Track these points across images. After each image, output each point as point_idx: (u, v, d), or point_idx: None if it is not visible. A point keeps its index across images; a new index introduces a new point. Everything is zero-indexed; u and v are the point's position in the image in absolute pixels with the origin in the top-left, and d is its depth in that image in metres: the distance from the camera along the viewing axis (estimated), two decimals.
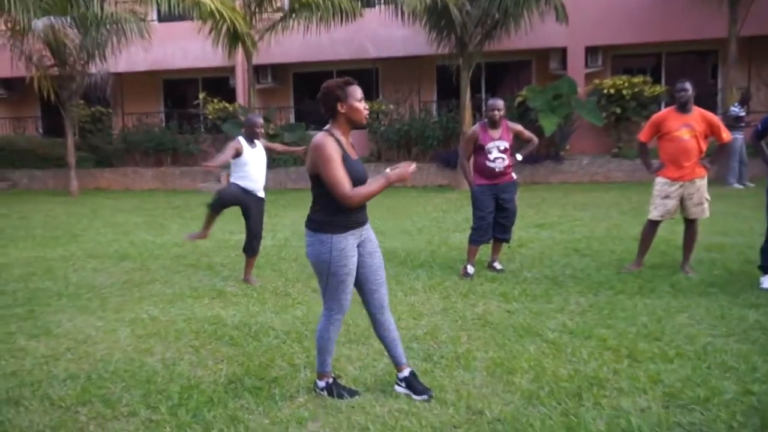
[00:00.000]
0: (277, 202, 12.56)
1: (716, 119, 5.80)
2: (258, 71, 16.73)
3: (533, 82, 16.27)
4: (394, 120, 16.19)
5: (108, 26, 15.06)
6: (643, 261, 6.15)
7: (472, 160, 6.23)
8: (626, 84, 14.42)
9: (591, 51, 15.53)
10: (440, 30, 13.90)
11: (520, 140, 6.35)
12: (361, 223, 3.33)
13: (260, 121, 6.09)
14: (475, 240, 6.18)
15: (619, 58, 16.35)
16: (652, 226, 6.04)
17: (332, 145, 3.14)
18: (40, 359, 4.14)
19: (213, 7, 13.68)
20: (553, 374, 3.64)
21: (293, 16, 14.94)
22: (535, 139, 6.45)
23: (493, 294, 5.46)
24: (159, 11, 17.29)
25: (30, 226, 10.49)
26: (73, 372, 3.89)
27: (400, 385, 3.46)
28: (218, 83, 18.20)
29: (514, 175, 6.25)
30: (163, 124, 18.63)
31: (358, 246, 3.33)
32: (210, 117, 17.16)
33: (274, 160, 14.97)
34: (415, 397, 3.38)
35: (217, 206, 6.05)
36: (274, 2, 15.34)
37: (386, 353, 3.56)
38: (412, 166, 3.18)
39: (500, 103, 6.09)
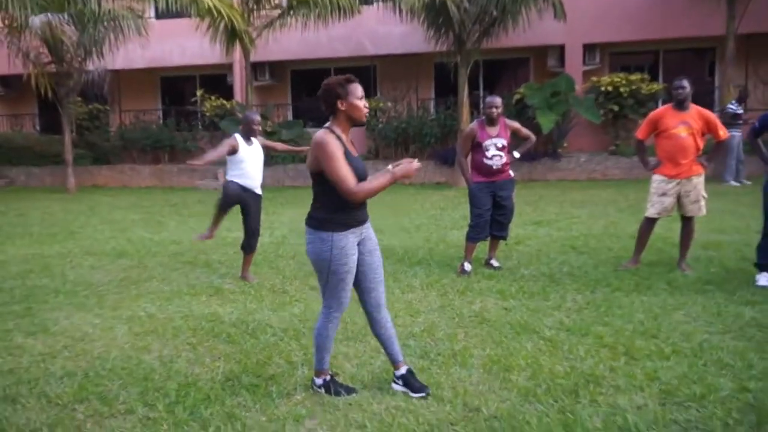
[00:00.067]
0: (275, 199, 12.56)
1: (713, 117, 5.81)
2: (256, 68, 16.71)
3: (531, 80, 16.27)
4: (392, 117, 16.19)
5: (105, 23, 15.02)
6: (640, 258, 6.16)
7: (469, 157, 6.23)
8: (624, 81, 14.44)
9: (589, 48, 15.53)
10: (438, 27, 13.89)
11: (518, 138, 6.36)
12: (361, 221, 3.33)
13: (257, 118, 6.09)
14: (472, 237, 6.19)
15: (617, 56, 16.36)
16: (649, 223, 6.05)
17: (334, 141, 3.14)
18: (37, 357, 4.14)
19: (211, 4, 13.66)
20: (549, 371, 3.65)
21: (291, 13, 14.91)
22: (533, 137, 6.45)
23: (491, 291, 5.47)
24: (156, 8, 17.21)
25: (27, 224, 10.47)
26: (70, 369, 3.89)
27: (397, 383, 3.47)
28: (216, 80, 18.18)
29: (511, 173, 6.26)
30: (161, 122, 18.60)
31: (358, 244, 3.33)
32: (207, 114, 17.14)
33: (272, 158, 14.97)
34: (412, 394, 3.38)
35: (224, 205, 6.02)
36: None
37: (383, 351, 3.56)
38: (416, 164, 3.19)
39: (498, 100, 6.09)
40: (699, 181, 5.83)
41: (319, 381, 3.48)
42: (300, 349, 4.15)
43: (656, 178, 5.92)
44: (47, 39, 14.59)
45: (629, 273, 5.88)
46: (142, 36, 15.20)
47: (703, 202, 5.88)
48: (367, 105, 3.26)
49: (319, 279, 3.36)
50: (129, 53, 16.45)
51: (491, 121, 6.09)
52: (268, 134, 15.45)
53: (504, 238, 6.42)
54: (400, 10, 13.80)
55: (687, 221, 5.97)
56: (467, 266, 6.15)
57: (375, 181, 3.14)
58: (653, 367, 3.68)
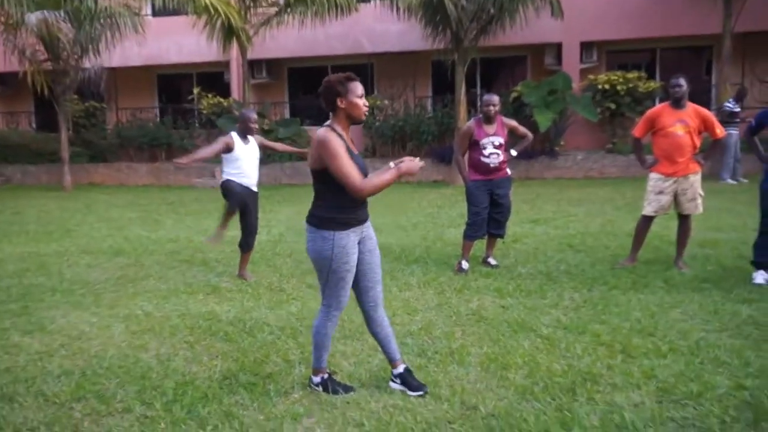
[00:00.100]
0: (272, 197, 12.55)
1: (710, 115, 5.82)
2: (253, 66, 16.67)
3: (528, 78, 16.27)
4: (389, 115, 16.17)
5: (102, 20, 14.98)
6: (636, 256, 6.17)
7: (467, 155, 6.23)
8: (621, 79, 14.44)
9: (586, 46, 15.54)
10: (435, 25, 13.88)
11: (515, 136, 6.36)
12: (362, 220, 3.34)
13: (254, 116, 6.08)
14: (469, 235, 6.19)
15: (614, 54, 16.36)
16: (646, 221, 6.06)
17: (337, 139, 3.15)
18: (34, 355, 4.13)
19: (207, 1, 13.63)
20: (547, 370, 3.66)
21: (288, 10, 14.88)
22: (530, 135, 6.45)
23: (488, 289, 5.47)
24: (153, 5, 17.19)
25: (23, 222, 10.45)
26: (67, 368, 3.89)
27: (394, 382, 3.47)
28: (213, 78, 18.14)
29: (508, 171, 6.26)
30: (158, 119, 18.56)
31: (358, 243, 3.33)
32: (204, 112, 17.11)
33: (268, 156, 14.95)
34: (410, 392, 3.39)
35: (234, 204, 5.98)
36: None
37: (380, 349, 3.57)
38: (419, 162, 3.21)
39: (495, 98, 6.09)
40: (696, 179, 5.84)
41: (316, 379, 3.48)
42: (297, 348, 4.15)
43: (653, 176, 5.93)
44: (43, 36, 14.54)
45: (626, 271, 5.89)
46: (138, 33, 15.16)
47: (699, 200, 5.89)
48: (366, 103, 3.26)
49: (319, 278, 3.36)
50: (126, 51, 16.41)
51: (488, 120, 6.09)
52: (265, 132, 15.42)
53: (501, 236, 6.43)
54: (398, 8, 13.79)
55: (684, 219, 5.98)
56: (464, 264, 6.16)
57: (380, 176, 3.14)
58: (650, 365, 3.69)
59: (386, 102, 16.40)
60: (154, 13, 17.46)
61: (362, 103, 3.22)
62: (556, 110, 14.38)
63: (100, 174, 17.64)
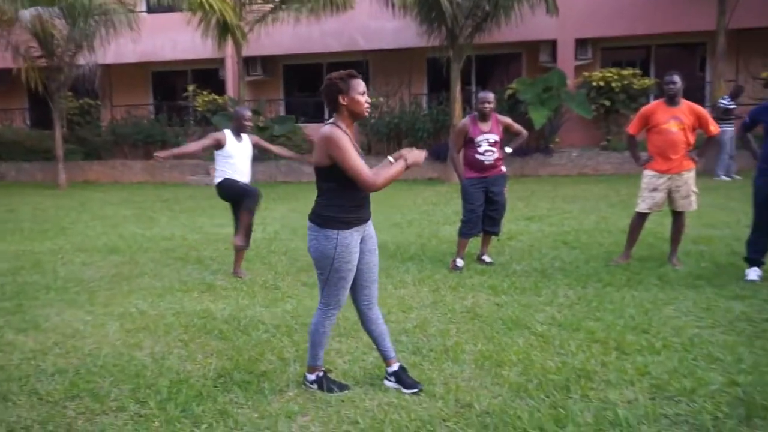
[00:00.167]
0: (267, 195, 12.43)
1: (704, 112, 5.84)
2: (248, 63, 16.64)
3: (523, 75, 16.28)
4: (384, 113, 16.17)
5: (96, 17, 14.93)
6: (631, 253, 6.18)
7: (462, 153, 6.23)
8: (615, 76, 14.46)
9: (581, 43, 15.55)
10: (431, 22, 13.88)
11: (510, 133, 6.37)
12: (365, 219, 3.34)
13: (248, 113, 6.06)
14: (464, 233, 6.20)
15: (609, 51, 16.39)
16: (640, 218, 6.07)
17: (343, 135, 3.15)
18: (28, 354, 4.12)
19: None
20: (541, 367, 3.66)
21: (283, 7, 14.87)
22: (525, 132, 6.46)
23: (483, 287, 5.48)
24: (148, 2, 17.19)
25: (18, 219, 10.42)
26: (61, 367, 3.88)
27: (389, 380, 3.47)
28: (208, 75, 18.10)
29: (503, 168, 6.26)
30: (153, 117, 18.52)
31: (359, 242, 3.33)
32: (199, 109, 17.07)
33: (264, 153, 14.92)
34: (404, 390, 3.39)
35: (250, 202, 5.94)
36: None
37: (375, 347, 3.57)
38: (423, 152, 3.24)
39: (490, 95, 6.10)
40: (690, 176, 5.86)
41: (311, 377, 3.48)
42: (292, 346, 4.15)
43: (647, 173, 5.94)
44: (37, 33, 14.49)
45: (620, 268, 5.90)
46: (133, 30, 15.11)
47: (693, 197, 5.91)
48: (369, 100, 3.27)
49: (320, 276, 3.35)
50: (120, 47, 16.35)
51: (483, 117, 6.09)
52: (260, 129, 15.41)
53: (496, 233, 6.43)
54: (393, 5, 13.78)
55: (678, 216, 6.00)
56: (459, 262, 6.16)
57: (389, 169, 3.15)
58: (644, 361, 3.70)
59: (381, 99, 16.39)
60: (149, 10, 17.44)
61: (364, 99, 3.22)
62: (550, 107, 14.40)
63: (94, 171, 17.59)
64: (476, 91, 16.43)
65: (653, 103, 6.00)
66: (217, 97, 16.93)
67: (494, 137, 6.07)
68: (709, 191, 10.05)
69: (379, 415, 3.15)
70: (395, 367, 3.46)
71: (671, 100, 5.77)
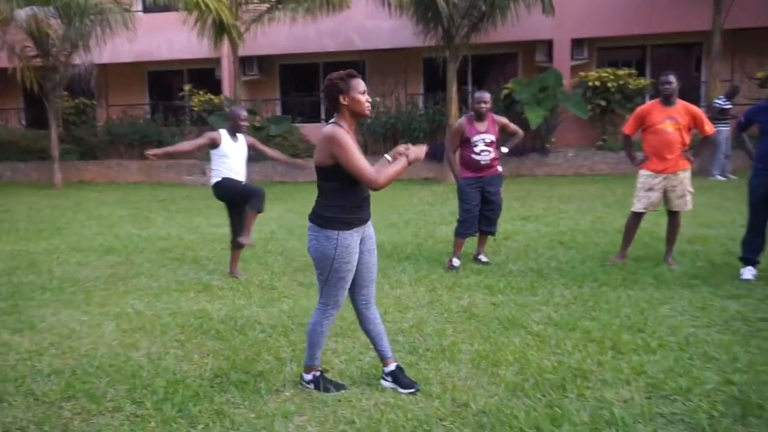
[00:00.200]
0: None
1: (700, 112, 5.85)
2: (244, 63, 16.63)
3: (519, 75, 16.30)
4: (380, 112, 16.17)
5: (92, 16, 14.89)
6: (626, 253, 6.20)
7: (458, 153, 6.24)
8: (611, 76, 14.49)
9: (577, 43, 15.58)
10: (427, 22, 13.89)
11: (506, 133, 6.38)
12: (365, 220, 3.35)
13: (243, 113, 6.05)
14: (461, 233, 6.20)
15: (605, 51, 16.41)
16: (636, 218, 6.09)
17: (346, 134, 3.16)
18: (24, 354, 4.11)
19: None
20: (537, 366, 3.67)
21: (279, 7, 14.86)
22: (521, 132, 6.47)
23: (479, 286, 5.49)
24: (144, 2, 17.13)
25: (13, 219, 10.39)
26: (57, 367, 3.87)
27: (386, 379, 3.48)
28: (204, 75, 18.07)
29: (499, 168, 6.27)
30: (148, 116, 18.49)
31: (359, 242, 3.34)
32: (195, 109, 17.05)
33: (260, 153, 14.90)
34: (401, 390, 3.39)
35: (256, 202, 5.94)
36: None
37: (372, 347, 3.57)
38: (424, 147, 3.25)
39: (487, 95, 6.10)
40: (685, 175, 5.87)
41: (308, 377, 3.48)
42: (289, 346, 4.15)
43: (643, 173, 5.96)
44: (33, 32, 14.45)
45: (616, 268, 5.91)
46: (129, 30, 15.08)
47: (689, 197, 5.92)
48: (369, 99, 3.27)
49: (319, 276, 3.35)
50: (116, 47, 16.31)
51: (480, 117, 6.10)
52: (256, 129, 15.39)
53: (492, 233, 6.44)
54: (389, 5, 13.79)
55: (673, 216, 6.01)
56: (456, 262, 6.17)
57: (391, 167, 3.17)
58: (640, 361, 3.71)
59: (378, 99, 16.39)
60: (145, 9, 17.38)
61: (365, 99, 3.22)
62: (546, 107, 14.42)
63: (90, 171, 17.55)
64: (472, 91, 16.42)
65: (649, 103, 6.02)
66: (213, 96, 16.90)
67: (490, 137, 6.08)
68: (705, 191, 10.09)
69: (376, 414, 3.15)
70: (392, 366, 3.47)
71: (667, 100, 5.79)
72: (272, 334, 4.38)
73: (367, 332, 3.50)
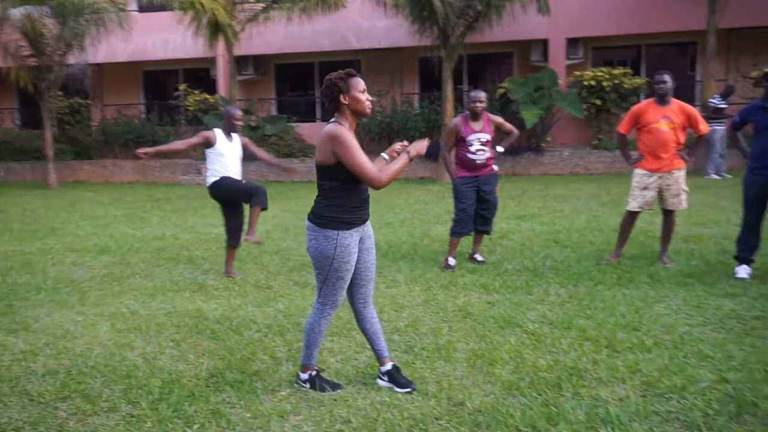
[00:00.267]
0: None
1: (694, 111, 5.87)
2: (239, 62, 16.60)
3: (515, 74, 16.33)
4: (376, 112, 16.17)
5: (87, 16, 14.85)
6: (621, 252, 6.21)
7: (453, 152, 6.24)
8: (606, 76, 14.51)
9: (572, 43, 15.61)
10: (422, 21, 13.89)
11: (502, 132, 6.38)
12: (365, 219, 3.34)
13: (238, 113, 6.05)
14: (456, 232, 6.21)
15: (600, 50, 16.46)
16: (631, 217, 6.10)
17: (348, 132, 3.16)
18: (19, 355, 4.10)
19: None
20: (533, 365, 3.68)
21: (275, 6, 14.85)
22: (516, 131, 6.48)
23: (474, 286, 5.49)
24: (139, 1, 17.10)
25: (7, 220, 10.35)
26: (52, 368, 3.86)
27: (382, 379, 3.47)
28: (199, 74, 18.05)
29: (495, 167, 6.28)
30: (143, 116, 18.45)
31: (358, 241, 3.34)
32: (191, 109, 17.01)
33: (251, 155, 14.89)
34: (397, 389, 3.39)
35: (260, 199, 5.92)
36: None
37: (368, 346, 3.57)
38: (425, 141, 3.25)
39: (482, 95, 6.11)
40: (680, 174, 5.89)
41: (304, 376, 3.47)
42: (284, 345, 4.15)
43: (638, 172, 5.97)
44: (27, 32, 14.42)
45: (611, 266, 5.93)
46: (124, 29, 15.05)
47: (684, 196, 5.94)
48: (370, 98, 3.26)
49: (318, 275, 3.34)
50: (111, 47, 16.29)
51: (475, 116, 6.10)
52: (251, 129, 15.38)
53: (488, 232, 6.45)
54: (385, 4, 13.81)
55: (668, 215, 6.03)
56: (451, 261, 6.17)
57: (393, 165, 3.17)
58: (635, 359, 3.72)
59: (373, 98, 16.38)
60: (140, 9, 17.36)
61: (365, 97, 3.22)
62: (542, 106, 14.44)
63: (85, 171, 17.51)
64: (468, 91, 16.46)
65: (644, 102, 6.03)
66: (208, 96, 16.88)
67: (486, 136, 6.08)
68: (700, 190, 10.12)
69: (372, 413, 3.15)
70: (389, 366, 3.47)
71: (662, 100, 5.80)
72: (268, 334, 4.38)
73: (364, 331, 3.49)
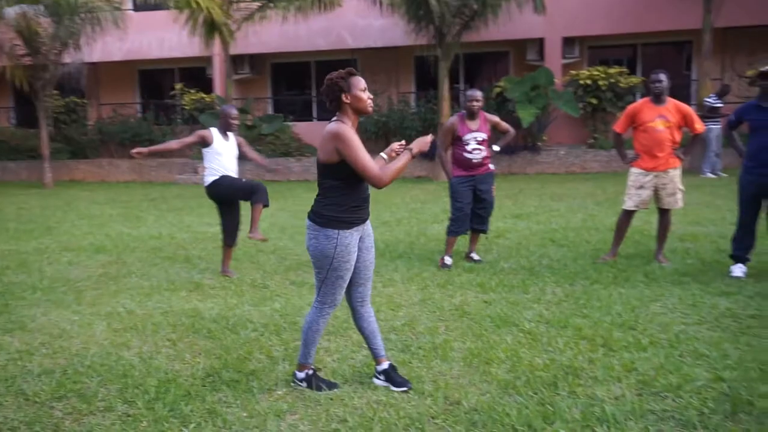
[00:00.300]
0: None
1: (690, 110, 5.88)
2: (235, 61, 16.59)
3: (511, 73, 16.34)
4: (373, 111, 16.15)
5: (82, 15, 14.81)
6: (617, 251, 6.22)
7: (450, 151, 6.25)
8: (602, 75, 14.54)
9: (568, 42, 15.63)
10: (418, 20, 13.89)
11: (498, 131, 6.39)
12: (365, 219, 3.35)
13: (234, 112, 6.04)
14: (453, 231, 6.21)
15: (596, 49, 16.48)
16: (627, 216, 6.11)
17: (351, 130, 3.16)
18: (14, 354, 4.09)
19: None
20: (529, 364, 3.68)
21: (271, 5, 14.82)
22: (512, 130, 6.49)
23: (471, 285, 5.50)
24: (135, 0, 17.06)
25: (3, 219, 10.32)
26: (48, 367, 3.85)
27: (378, 378, 3.48)
28: (195, 73, 18.02)
29: (491, 166, 6.28)
30: (139, 115, 18.42)
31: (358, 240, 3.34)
32: (187, 108, 16.99)
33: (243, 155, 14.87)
34: (393, 388, 3.39)
35: (262, 196, 5.92)
36: None
37: (365, 345, 3.57)
38: (428, 138, 3.26)
39: (479, 94, 6.11)
40: (676, 173, 5.90)
41: (301, 375, 3.47)
42: (281, 344, 4.15)
43: (633, 171, 5.98)
44: (22, 31, 14.37)
45: (607, 265, 5.94)
46: (119, 28, 15.01)
47: (679, 195, 5.95)
48: (371, 96, 3.27)
49: (317, 275, 3.34)
50: (106, 45, 16.26)
51: (471, 115, 6.11)
52: (248, 128, 15.36)
53: (484, 231, 6.45)
54: (381, 3, 13.80)
55: (664, 213, 6.04)
56: (448, 260, 6.18)
57: (395, 163, 3.17)
58: (631, 358, 3.73)
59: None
60: (136, 8, 17.32)
61: (366, 96, 3.23)
62: (538, 105, 14.46)
63: (81, 170, 17.47)
64: (464, 90, 16.46)
65: (640, 101, 6.04)
66: (204, 95, 16.86)
67: (482, 135, 6.09)
68: (695, 189, 10.15)
69: (368, 413, 3.15)
70: (385, 365, 3.47)
71: (657, 99, 5.82)
72: (264, 333, 4.38)
73: (361, 330, 3.50)
